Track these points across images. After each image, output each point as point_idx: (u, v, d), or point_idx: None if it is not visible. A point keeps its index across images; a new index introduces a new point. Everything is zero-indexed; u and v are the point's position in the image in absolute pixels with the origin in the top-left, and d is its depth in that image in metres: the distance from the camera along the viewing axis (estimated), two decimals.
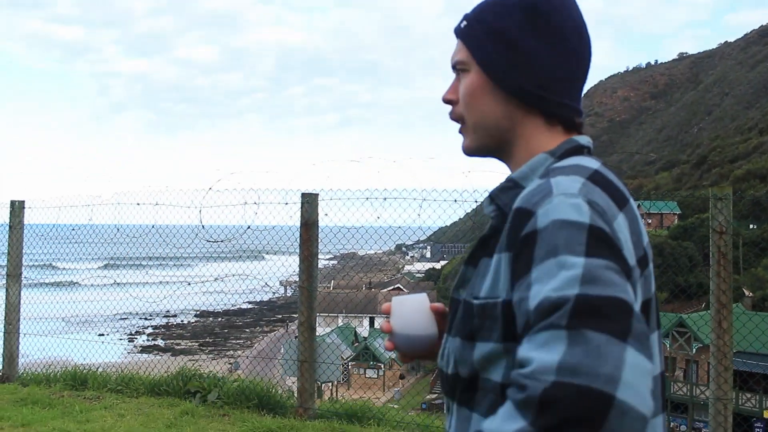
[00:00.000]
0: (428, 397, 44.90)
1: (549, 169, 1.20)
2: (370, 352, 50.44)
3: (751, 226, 51.51)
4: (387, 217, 6.35)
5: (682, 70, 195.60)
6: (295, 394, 6.29)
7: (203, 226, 6.48)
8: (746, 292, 38.56)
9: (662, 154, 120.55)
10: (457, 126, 1.36)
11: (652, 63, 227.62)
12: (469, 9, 1.38)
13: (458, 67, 1.34)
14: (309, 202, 6.33)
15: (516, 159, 1.31)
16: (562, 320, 0.94)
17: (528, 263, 1.03)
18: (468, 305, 1.21)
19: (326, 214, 6.34)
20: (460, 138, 1.37)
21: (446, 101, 1.37)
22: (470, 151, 1.36)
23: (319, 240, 6.35)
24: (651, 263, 1.20)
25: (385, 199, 6.26)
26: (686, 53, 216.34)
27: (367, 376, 49.84)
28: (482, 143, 1.33)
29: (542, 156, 1.25)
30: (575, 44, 1.28)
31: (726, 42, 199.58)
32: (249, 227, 6.39)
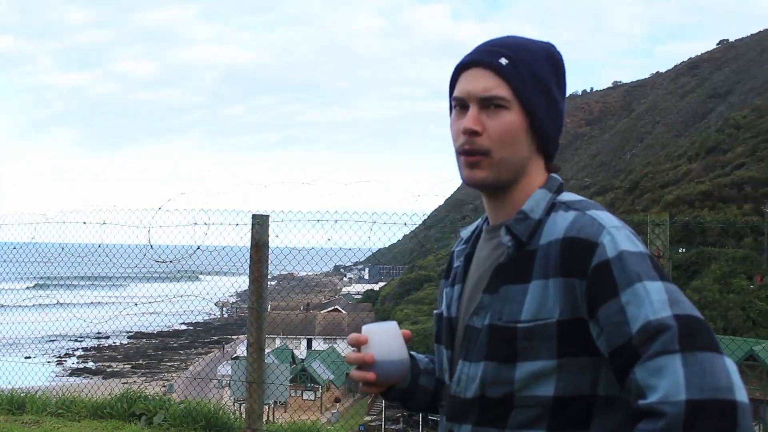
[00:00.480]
0: (366, 419, 44.77)
1: (557, 202, 1.37)
2: (308, 374, 50.03)
3: (681, 250, 53.34)
4: (338, 239, 6.41)
5: (615, 98, 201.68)
6: (243, 415, 6.26)
7: (152, 246, 6.42)
8: None
9: (596, 180, 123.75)
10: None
11: (588, 90, 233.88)
12: (477, 42, 1.47)
13: (496, 102, 1.36)
14: (260, 223, 6.34)
15: (515, 193, 1.41)
16: (673, 345, 1.11)
17: (612, 288, 1.20)
18: (504, 330, 1.30)
19: (277, 236, 6.36)
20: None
21: (471, 132, 1.37)
22: (485, 182, 1.40)
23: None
24: None
25: (336, 221, 6.32)
26: (620, 82, 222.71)
27: (304, 398, 49.37)
28: (502, 177, 1.39)
29: (542, 191, 1.40)
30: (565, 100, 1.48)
31: (657, 72, 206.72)
32: (198, 248, 6.36)
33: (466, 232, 1.58)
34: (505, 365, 1.28)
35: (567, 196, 1.38)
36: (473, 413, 1.33)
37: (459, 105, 1.41)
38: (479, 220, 1.56)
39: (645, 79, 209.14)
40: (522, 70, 1.37)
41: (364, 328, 1.45)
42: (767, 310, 45.66)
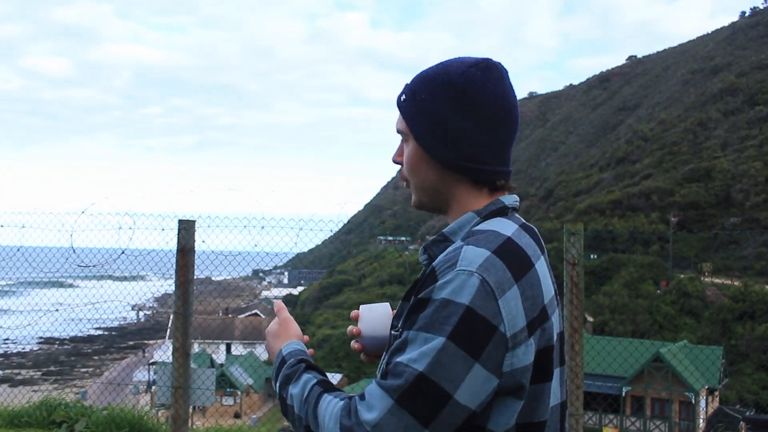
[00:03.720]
0: (286, 423, 44.51)
1: (470, 231, 1.41)
2: (227, 379, 49.32)
3: (592, 257, 55.25)
4: (264, 245, 6.47)
5: (531, 109, 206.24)
6: (164, 421, 6.23)
7: (74, 250, 6.32)
8: (588, 318, 41.23)
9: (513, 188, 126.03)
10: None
11: None
12: (405, 78, 1.58)
13: (402, 136, 1.54)
14: (186, 228, 6.33)
15: (451, 216, 1.51)
16: (395, 393, 1.24)
17: (413, 322, 1.30)
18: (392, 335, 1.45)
19: (203, 241, 6.37)
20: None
21: (395, 162, 1.56)
22: (416, 206, 1.58)
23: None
24: (552, 315, 1.41)
25: (263, 227, 6.38)
26: (535, 93, 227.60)
27: (223, 403, 48.65)
28: (423, 202, 1.55)
29: (470, 215, 1.45)
30: (496, 117, 1.44)
31: (570, 84, 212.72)
32: (123, 252, 6.30)
33: None
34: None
35: (484, 225, 1.41)
36: None
37: None
38: None
39: (559, 90, 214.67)
40: (412, 104, 1.48)
41: (362, 307, 1.67)
42: (672, 314, 47.79)
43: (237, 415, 43.42)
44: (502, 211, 1.47)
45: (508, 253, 1.34)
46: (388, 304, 1.66)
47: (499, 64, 1.51)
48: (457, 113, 1.43)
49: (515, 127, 1.49)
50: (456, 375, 1.23)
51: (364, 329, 1.64)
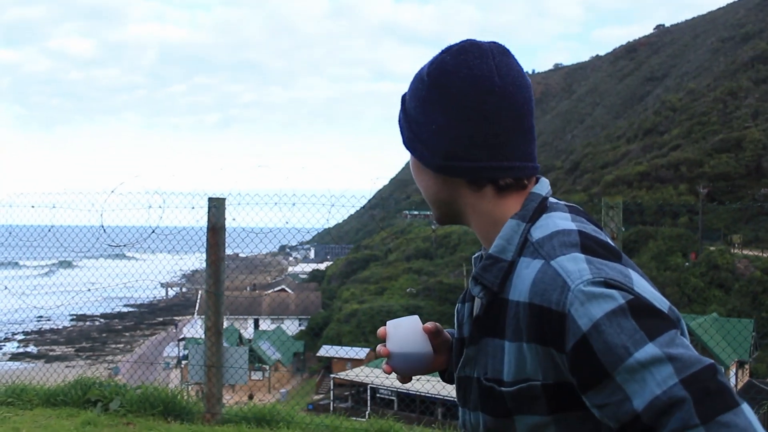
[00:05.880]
0: (315, 397, 44.93)
1: (531, 243, 1.21)
2: (256, 354, 49.88)
3: (621, 229, 54.68)
4: (296, 222, 6.41)
5: (557, 80, 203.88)
6: (196, 397, 6.24)
7: (104, 230, 6.31)
8: None
9: (539, 160, 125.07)
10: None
11: (530, 72, 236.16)
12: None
13: None
14: (216, 206, 6.29)
15: (473, 226, 1.34)
16: (692, 419, 0.96)
17: (600, 371, 1.05)
18: (489, 390, 1.25)
19: (234, 219, 6.33)
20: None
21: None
22: (437, 222, 1.42)
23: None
24: None
25: (294, 204, 6.32)
26: (561, 64, 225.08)
27: (252, 378, 49.26)
28: (438, 215, 1.40)
29: (513, 223, 1.25)
30: (478, 104, 1.24)
31: (597, 55, 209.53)
32: (154, 231, 6.27)
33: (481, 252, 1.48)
34: (502, 419, 1.24)
35: (539, 231, 1.22)
36: None
37: None
38: None
39: (585, 62, 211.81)
40: (401, 111, 1.38)
41: (388, 323, 1.50)
42: (701, 286, 47.28)
43: (251, 396, 43.07)
44: (543, 205, 1.29)
45: (594, 246, 1.17)
46: (416, 317, 1.49)
47: (482, 43, 1.29)
48: (433, 109, 1.27)
49: (518, 112, 1.27)
50: (692, 354, 1.03)
51: (392, 348, 1.47)
